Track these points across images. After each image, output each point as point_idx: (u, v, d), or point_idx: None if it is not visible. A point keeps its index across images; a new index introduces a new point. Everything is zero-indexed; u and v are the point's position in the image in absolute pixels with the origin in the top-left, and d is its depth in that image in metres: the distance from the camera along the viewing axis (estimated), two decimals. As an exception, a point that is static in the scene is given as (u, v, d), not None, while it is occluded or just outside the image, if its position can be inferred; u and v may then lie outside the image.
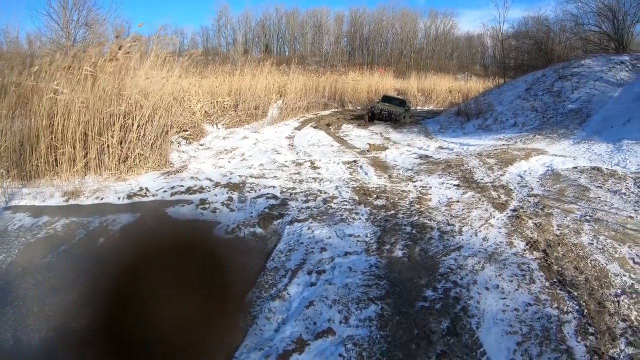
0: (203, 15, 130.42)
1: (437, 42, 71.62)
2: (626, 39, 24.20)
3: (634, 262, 6.12)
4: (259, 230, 6.96)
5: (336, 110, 26.23)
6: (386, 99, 24.32)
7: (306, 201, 8.24)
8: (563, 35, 29.42)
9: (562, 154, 12.43)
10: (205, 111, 17.16)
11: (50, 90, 8.92)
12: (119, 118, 9.51)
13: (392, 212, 7.76)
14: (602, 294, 5.27)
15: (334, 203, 8.13)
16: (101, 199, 8.02)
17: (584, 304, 5.02)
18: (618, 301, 5.14)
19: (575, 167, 10.83)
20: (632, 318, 4.82)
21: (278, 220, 7.31)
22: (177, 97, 12.54)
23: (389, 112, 21.97)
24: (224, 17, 73.40)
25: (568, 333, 4.56)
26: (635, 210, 8.06)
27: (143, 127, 9.94)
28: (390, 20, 71.98)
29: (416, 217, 7.47)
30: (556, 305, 4.99)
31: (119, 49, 9.97)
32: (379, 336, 4.40)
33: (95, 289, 4.82)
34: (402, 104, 23.43)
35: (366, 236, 6.67)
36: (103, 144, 9.32)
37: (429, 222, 7.28)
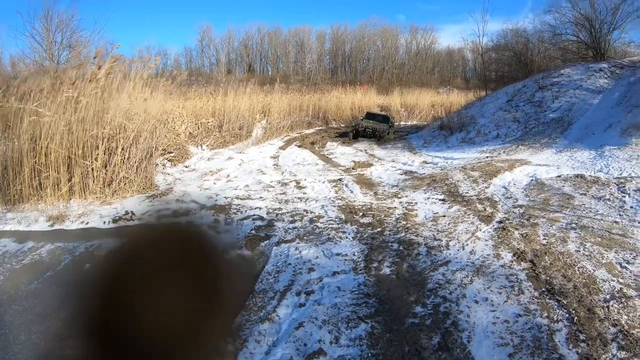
0: (186, 36, 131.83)
1: (418, 57, 72.13)
2: (604, 47, 24.52)
3: (622, 267, 6.16)
4: (246, 252, 6.90)
5: (320, 128, 26.30)
6: (370, 115, 24.40)
7: (293, 221, 8.21)
8: (542, 46, 29.76)
9: (546, 163, 12.51)
10: (190, 132, 17.10)
11: (33, 113, 8.85)
12: (103, 141, 9.45)
13: (379, 229, 7.75)
14: (591, 300, 5.28)
15: (321, 222, 8.10)
16: (86, 224, 7.97)
17: (573, 311, 5.03)
18: (607, 306, 5.16)
19: (559, 176, 10.91)
20: (623, 322, 4.84)
21: (265, 242, 7.26)
22: (161, 119, 12.48)
23: (373, 130, 22.04)
24: (207, 37, 73.57)
25: (559, 341, 4.55)
26: (620, 215, 8.13)
27: (127, 150, 9.87)
28: (371, 37, 72.53)
29: (403, 234, 7.47)
30: (546, 314, 4.99)
31: (99, 68, 9.91)
32: (370, 355, 4.36)
33: (81, 317, 4.67)
34: (385, 120, 23.53)
35: (354, 255, 6.65)
36: (87, 168, 9.24)
37: (415, 238, 7.28)
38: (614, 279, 5.82)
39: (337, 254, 6.65)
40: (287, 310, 5.16)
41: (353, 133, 22.68)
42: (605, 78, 19.83)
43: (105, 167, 9.51)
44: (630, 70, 19.53)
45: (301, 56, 72.31)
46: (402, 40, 73.62)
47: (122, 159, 9.73)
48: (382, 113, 26.17)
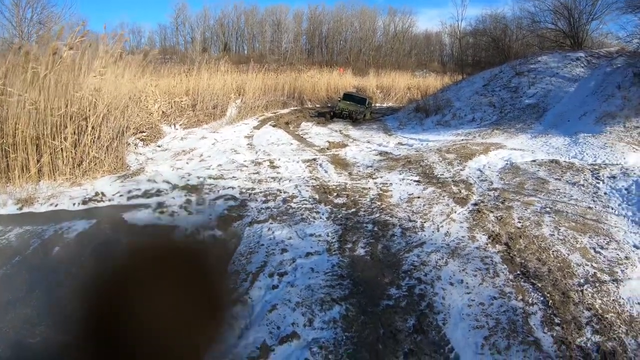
0: (161, 13, 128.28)
1: (395, 39, 71.93)
2: (581, 36, 24.65)
3: (595, 252, 6.18)
4: (218, 232, 6.77)
5: (295, 108, 26.04)
6: (347, 97, 24.17)
7: (266, 201, 8.08)
8: (520, 32, 29.86)
9: (521, 148, 12.53)
10: (163, 111, 16.76)
11: (-1, 92, 8.55)
12: (71, 119, 9.14)
13: (353, 209, 7.66)
14: (565, 284, 5.28)
15: (294, 202, 7.98)
16: (56, 206, 7.73)
17: (548, 295, 5.02)
18: (582, 290, 5.16)
19: (534, 161, 10.92)
20: (597, 307, 4.85)
21: (237, 222, 7.12)
22: (133, 97, 12.19)
23: (349, 112, 21.94)
24: (182, 15, 72.32)
25: (534, 325, 4.53)
26: (594, 201, 8.15)
27: (98, 129, 9.57)
28: (349, 18, 72.07)
29: (377, 214, 7.38)
30: (521, 297, 4.96)
31: (69, 48, 9.59)
32: (344, 337, 4.28)
33: (49, 303, 4.59)
34: (362, 102, 23.33)
35: (327, 235, 6.55)
36: (56, 148, 8.94)
37: (390, 219, 7.20)
38: (588, 263, 5.83)
39: (311, 235, 6.55)
40: (260, 292, 5.06)
41: (330, 114, 22.60)
42: (582, 67, 19.93)
43: (75, 147, 9.21)
44: (607, 60, 19.65)
45: (278, 36, 71.72)
46: (380, 23, 73.40)
47: (92, 139, 9.43)
48: (360, 95, 25.95)
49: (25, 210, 7.54)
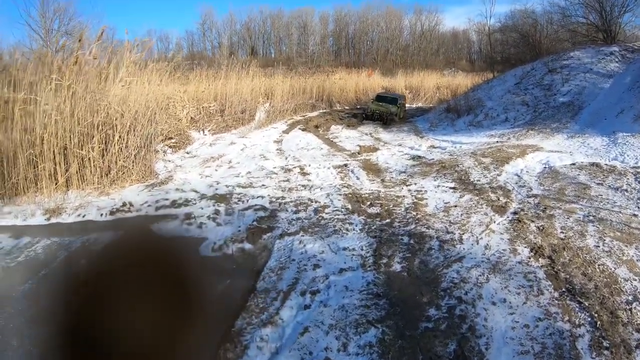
0: (188, 19, 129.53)
1: (422, 38, 71.49)
2: (614, 30, 24.05)
3: (643, 264, 5.84)
4: (247, 246, 6.60)
5: (324, 111, 25.88)
6: (380, 97, 24.05)
7: (296, 211, 7.89)
8: (550, 27, 29.33)
9: (558, 150, 12.17)
10: (191, 117, 16.75)
11: (23, 102, 8.52)
12: (98, 129, 9.11)
13: (388, 220, 7.41)
14: (613, 302, 4.98)
15: (326, 213, 7.77)
16: (83, 217, 7.65)
17: (596, 314, 4.72)
18: (630, 309, 4.86)
19: (573, 164, 10.57)
20: (647, 326, 4.53)
21: (267, 234, 6.94)
22: (161, 104, 12.14)
23: (380, 113, 21.83)
24: (208, 20, 72.94)
25: (582, 349, 4.25)
26: (638, 208, 7.81)
27: (125, 138, 9.53)
28: (375, 19, 71.87)
29: (413, 226, 7.13)
30: (567, 318, 4.68)
31: (90, 54, 9.55)
32: (381, 364, 4.07)
33: (74, 319, 4.43)
34: (394, 102, 23.12)
35: (361, 249, 6.31)
36: (84, 158, 8.91)
37: (427, 230, 6.94)
38: (636, 277, 5.51)
39: (344, 248, 6.32)
40: (291, 313, 4.85)
41: (363, 116, 22.60)
42: (616, 62, 19.44)
43: (103, 156, 9.19)
44: (642, 54, 19.15)
45: (304, 38, 71.85)
46: (406, 22, 73.08)
47: (119, 148, 9.41)
48: (392, 94, 25.64)
49: (53, 220, 7.49)
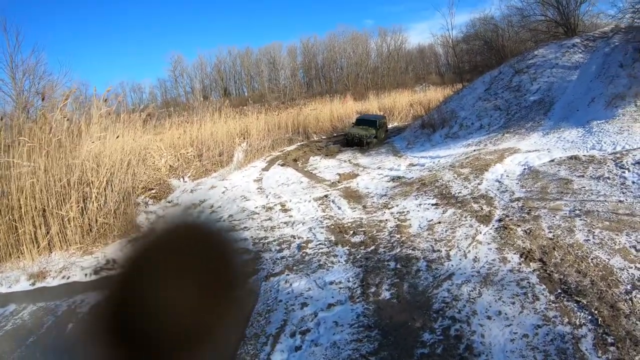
0: (158, 68, 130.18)
1: (390, 59, 72.12)
2: (574, 22, 24.33)
3: (637, 250, 5.78)
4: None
5: (302, 143, 25.80)
6: (359, 121, 24.16)
7: (280, 250, 7.72)
8: (511, 30, 29.71)
9: (535, 149, 12.12)
10: (170, 165, 16.59)
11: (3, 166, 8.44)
12: (75, 187, 8.97)
13: (372, 247, 7.25)
14: (612, 294, 4.85)
15: (309, 248, 7.59)
16: (68, 278, 7.57)
17: (595, 311, 4.59)
18: (631, 298, 4.74)
19: (552, 160, 10.51)
20: (650, 314, 4.39)
21: (253, 277, 6.79)
22: (138, 156, 12.02)
23: (359, 137, 21.87)
24: (179, 67, 73.11)
25: (587, 349, 4.11)
26: (623, 193, 7.75)
27: (103, 194, 9.40)
28: (341, 45, 72.43)
29: (398, 249, 6.97)
30: (567, 320, 4.53)
31: (64, 117, 9.46)
32: (378, 401, 3.87)
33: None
34: (372, 125, 23.19)
35: (348, 281, 6.14)
36: (64, 218, 8.75)
37: (412, 252, 6.78)
38: (631, 265, 5.43)
39: (331, 283, 6.16)
40: (282, 356, 4.70)
41: (344, 142, 22.77)
42: (580, 53, 19.62)
43: (82, 214, 9.04)
44: (603, 41, 19.32)
45: (275, 73, 72.29)
46: (373, 45, 73.77)
47: (98, 205, 9.28)
48: (371, 116, 25.72)
49: (38, 285, 7.43)
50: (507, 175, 10.09)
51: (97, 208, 9.25)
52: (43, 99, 9.70)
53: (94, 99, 10.44)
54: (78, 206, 8.99)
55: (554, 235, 6.51)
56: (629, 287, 4.96)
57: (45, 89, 10.25)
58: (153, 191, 13.49)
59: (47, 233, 8.60)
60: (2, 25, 22.89)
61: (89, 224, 9.11)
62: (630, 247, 5.86)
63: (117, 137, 10.40)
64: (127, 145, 10.71)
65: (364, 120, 23.95)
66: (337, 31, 75.36)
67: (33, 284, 7.43)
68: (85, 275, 7.63)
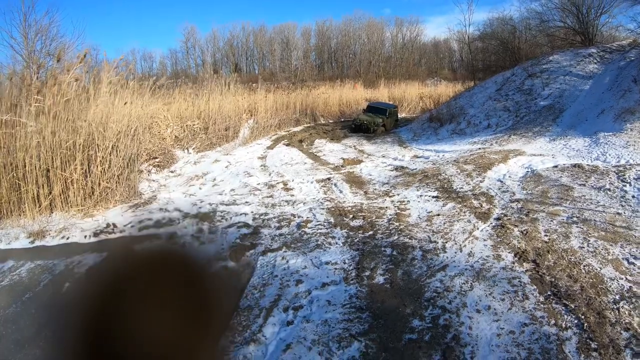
0: (171, 38, 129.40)
1: (404, 49, 71.66)
2: (592, 32, 24.26)
3: (629, 263, 5.84)
4: (230, 263, 6.51)
5: (308, 125, 25.80)
6: (370, 108, 24.35)
7: (279, 227, 7.81)
8: (529, 33, 29.62)
9: (540, 153, 12.18)
10: (176, 136, 16.58)
11: (4, 124, 8.44)
12: (81, 150, 9.00)
13: (370, 232, 7.34)
14: (600, 302, 4.94)
15: (309, 227, 7.69)
16: (67, 239, 7.60)
17: (582, 316, 4.67)
18: (618, 308, 4.82)
19: (556, 166, 10.57)
20: (635, 325, 4.51)
21: (251, 251, 6.85)
22: (145, 123, 12.05)
23: (367, 123, 22.08)
24: (191, 38, 72.60)
25: (570, 352, 4.20)
26: (622, 206, 7.82)
27: (108, 158, 9.43)
28: (356, 31, 71.98)
29: (396, 237, 7.07)
30: (554, 321, 4.63)
31: (67, 71, 9.45)
32: (364, 379, 3.98)
33: (58, 343, 4.36)
34: (382, 112, 23.32)
35: (344, 262, 6.24)
36: (67, 179, 8.81)
37: (409, 240, 6.88)
38: (622, 276, 5.50)
39: (327, 263, 6.25)
40: (274, 329, 4.77)
41: (352, 127, 22.89)
42: (595, 63, 19.58)
43: (86, 177, 9.08)
44: (620, 54, 19.26)
45: (287, 53, 71.82)
46: (388, 34, 73.23)
47: (102, 169, 9.31)
48: (382, 104, 25.69)
49: (37, 243, 7.44)
50: (509, 176, 10.16)
51: (100, 172, 9.29)
52: (58, 61, 9.69)
53: (105, 63, 10.47)
54: (82, 168, 9.03)
55: (549, 239, 6.59)
56: (617, 297, 5.04)
57: (59, 51, 10.19)
58: (157, 160, 13.53)
59: (50, 193, 8.66)
60: (18, -16, 22.84)
61: (92, 187, 9.16)
62: (623, 258, 5.94)
63: (125, 104, 10.42)
64: (135, 112, 10.73)
65: (375, 108, 23.97)
66: (354, 17, 74.60)
67: (32, 242, 7.48)
68: (85, 237, 7.68)
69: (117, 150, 9.68)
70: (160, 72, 62.31)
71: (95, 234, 7.78)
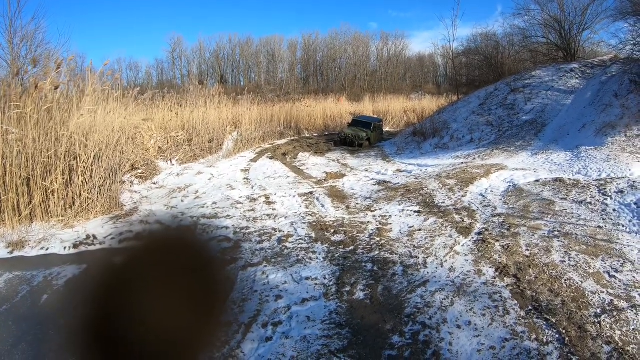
0: (157, 47, 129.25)
1: (389, 63, 72.23)
2: (574, 47, 24.59)
3: (610, 276, 5.84)
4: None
5: (293, 138, 25.81)
6: (355, 122, 24.59)
7: (260, 242, 7.73)
8: (512, 48, 29.90)
9: (522, 167, 12.22)
10: (159, 147, 16.50)
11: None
12: (62, 159, 8.91)
13: (351, 247, 7.30)
14: (581, 316, 4.92)
15: (289, 242, 7.63)
16: (47, 250, 7.54)
17: (563, 330, 4.65)
18: (599, 322, 4.81)
19: (537, 180, 10.59)
20: (617, 339, 4.50)
21: (231, 266, 6.77)
22: (128, 134, 11.98)
23: (352, 138, 22.27)
24: (178, 48, 72.57)
25: (551, 367, 4.15)
26: (603, 220, 7.84)
27: (89, 169, 9.34)
28: (342, 45, 72.42)
29: (377, 252, 7.03)
30: (535, 336, 4.60)
31: (54, 87, 9.38)
32: (343, 397, 3.91)
33: (35, 356, 4.45)
34: (367, 126, 23.46)
35: (324, 278, 6.18)
36: (48, 189, 8.72)
37: (390, 256, 6.83)
38: (603, 290, 5.51)
39: (307, 278, 6.19)
40: (252, 345, 4.71)
41: (338, 141, 23.04)
42: (577, 78, 19.80)
43: (67, 187, 9.00)
44: (601, 69, 19.48)
45: (273, 66, 72.04)
46: (373, 48, 73.86)
47: (83, 179, 9.22)
48: (367, 118, 25.80)
49: (16, 254, 7.40)
50: (491, 191, 10.17)
51: (82, 182, 9.19)
52: (35, 66, 9.62)
53: (89, 72, 10.40)
54: (63, 178, 8.94)
55: (530, 254, 6.58)
56: (598, 310, 5.04)
57: (37, 56, 10.12)
58: (140, 171, 13.44)
59: (30, 203, 8.56)
60: (4, -11, 22.73)
61: (73, 198, 9.06)
62: (604, 272, 5.95)
63: (109, 113, 10.34)
64: (118, 122, 10.65)
65: (359, 122, 24.21)
66: (340, 30, 75.19)
67: (11, 252, 7.41)
68: (64, 248, 7.60)
69: (99, 161, 9.61)
70: (146, 82, 62.39)
71: (75, 246, 7.71)
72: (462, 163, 14.40)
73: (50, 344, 4.60)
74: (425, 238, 7.53)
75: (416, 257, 6.74)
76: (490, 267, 6.21)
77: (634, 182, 9.30)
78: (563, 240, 7.01)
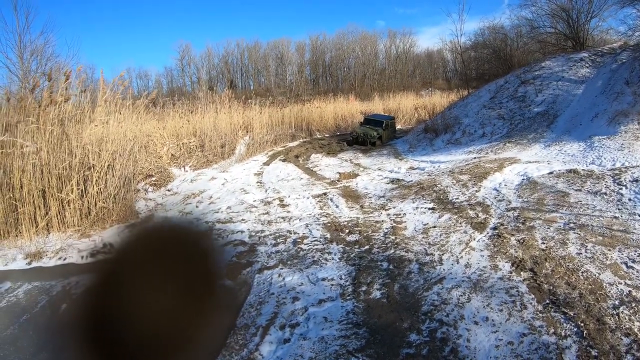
0: (166, 56, 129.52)
1: (398, 61, 72.00)
2: (583, 36, 24.40)
3: (627, 267, 5.79)
4: (227, 282, 6.44)
5: (304, 140, 25.81)
6: (367, 120, 24.64)
7: (275, 244, 7.76)
8: (520, 40, 29.76)
9: (536, 160, 12.16)
10: (172, 154, 16.60)
11: (1, 145, 8.48)
12: (76, 170, 9.02)
13: (367, 247, 7.31)
14: (599, 308, 4.88)
15: (305, 244, 7.65)
16: (64, 260, 7.60)
17: (582, 324, 4.62)
18: (618, 314, 4.77)
19: (551, 173, 10.54)
20: (636, 330, 4.46)
21: (247, 269, 6.80)
22: (140, 142, 12.07)
23: (364, 137, 22.34)
24: (186, 56, 72.95)
25: (570, 360, 4.13)
26: (619, 210, 7.78)
27: (104, 178, 9.43)
28: (350, 45, 72.32)
29: (392, 250, 7.03)
30: (553, 330, 4.57)
31: (65, 99, 9.47)
32: (362, 397, 3.92)
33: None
34: (378, 124, 23.57)
35: (340, 278, 6.20)
36: (63, 200, 8.82)
37: (406, 254, 6.84)
38: (621, 281, 5.46)
39: (323, 279, 6.20)
40: (270, 348, 4.73)
41: (351, 140, 23.10)
42: (587, 67, 19.64)
43: (82, 197, 9.08)
44: (611, 57, 19.31)
45: (282, 69, 72.08)
46: (381, 46, 73.70)
47: (98, 189, 9.30)
48: (379, 116, 25.73)
49: (35, 264, 7.47)
50: (505, 185, 10.13)
51: (97, 192, 9.27)
52: (49, 80, 9.70)
53: (101, 82, 10.50)
54: (78, 189, 9.02)
55: (546, 247, 6.55)
56: (617, 302, 5.00)
57: (51, 70, 10.22)
58: (153, 178, 13.53)
59: (46, 214, 8.65)
60: (12, 5, 22.89)
61: (88, 207, 9.14)
62: (621, 263, 5.90)
63: (120, 123, 10.43)
64: (130, 131, 10.73)
65: (371, 120, 24.16)
66: (347, 30, 75.09)
67: (29, 263, 7.47)
68: (82, 257, 7.63)
69: (113, 170, 9.68)
70: (156, 90, 62.54)
71: (92, 255, 7.73)
72: (474, 158, 14.36)
73: (70, 352, 4.65)
74: (440, 235, 7.52)
75: (432, 254, 6.74)
76: (507, 262, 6.18)
77: (649, 170, 9.25)
78: (579, 232, 6.97)
